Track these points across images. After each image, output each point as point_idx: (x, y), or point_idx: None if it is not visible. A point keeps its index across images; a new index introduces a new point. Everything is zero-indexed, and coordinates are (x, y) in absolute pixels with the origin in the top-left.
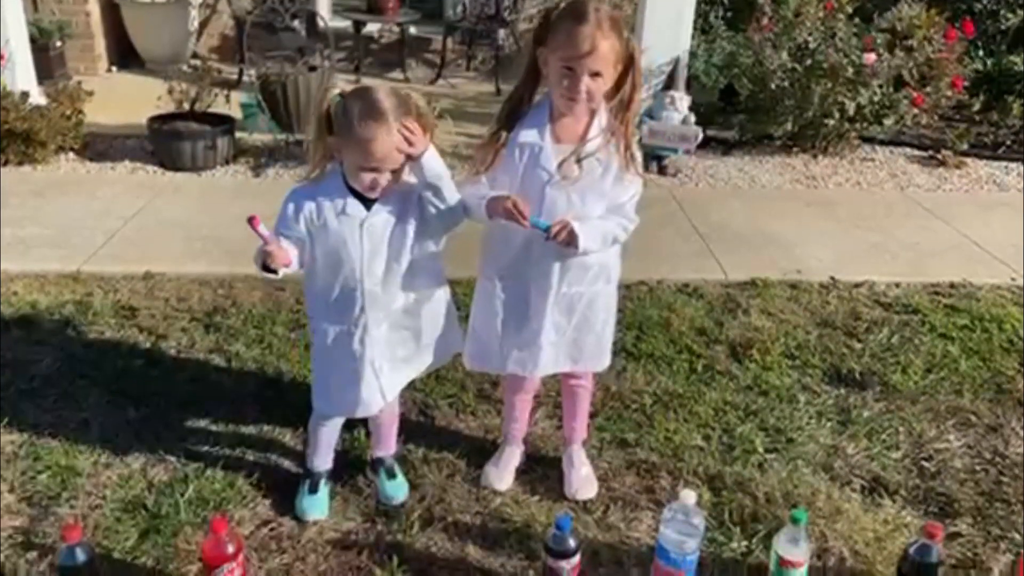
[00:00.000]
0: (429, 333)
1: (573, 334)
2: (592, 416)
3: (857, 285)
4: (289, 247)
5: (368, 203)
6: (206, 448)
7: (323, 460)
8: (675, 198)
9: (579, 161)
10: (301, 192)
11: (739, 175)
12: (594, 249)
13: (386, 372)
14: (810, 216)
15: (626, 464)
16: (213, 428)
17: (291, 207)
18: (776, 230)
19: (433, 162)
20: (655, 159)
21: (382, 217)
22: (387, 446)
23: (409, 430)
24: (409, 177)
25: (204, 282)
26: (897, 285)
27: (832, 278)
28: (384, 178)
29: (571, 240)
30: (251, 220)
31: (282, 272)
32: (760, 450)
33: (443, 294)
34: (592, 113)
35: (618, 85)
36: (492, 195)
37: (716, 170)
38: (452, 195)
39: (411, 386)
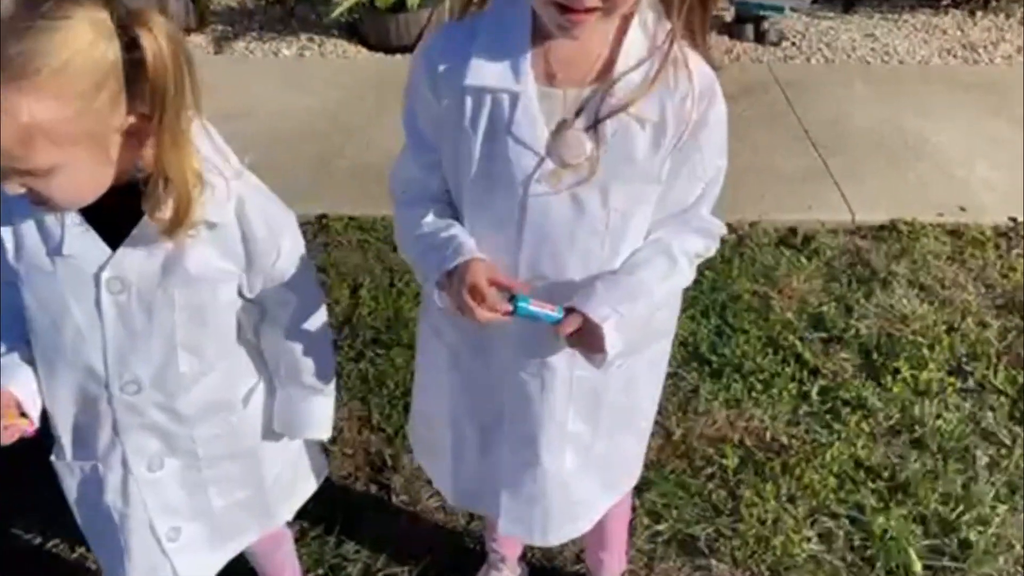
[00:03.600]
0: (276, 465)
1: (603, 446)
2: (639, 490)
3: None
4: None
5: (113, 232)
6: None
7: None
8: (777, 80)
9: (596, 126)
10: None
11: (866, 43)
12: (638, 344)
13: (186, 541)
14: (972, 109)
15: None
16: None
17: None
18: (923, 133)
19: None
20: (750, 21)
21: (139, 260)
22: None
23: (350, 517)
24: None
25: None
26: None
27: (1013, 220)
28: (56, 190)
29: (594, 343)
30: None
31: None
32: (918, 569)
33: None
34: (622, 18)
35: None
36: (445, 249)
37: (835, 36)
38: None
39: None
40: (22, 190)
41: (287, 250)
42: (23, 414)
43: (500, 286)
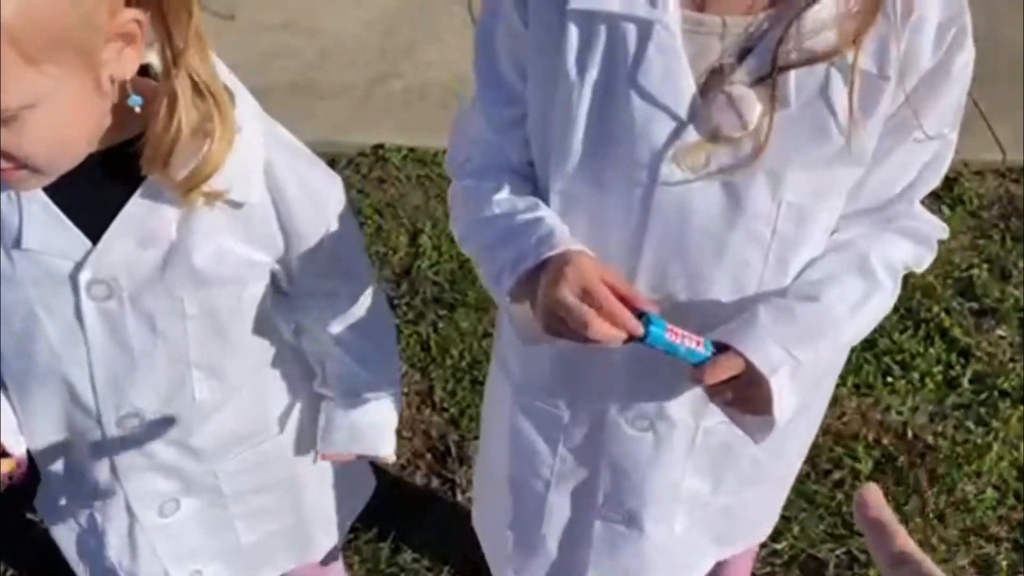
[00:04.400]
0: (303, 499)
1: (725, 502)
2: None
3: None
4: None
5: (92, 223)
6: None
7: None
8: None
9: (772, 77)
10: None
11: None
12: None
13: None
14: None
15: None
16: None
17: None
18: None
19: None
20: None
21: (131, 254)
22: None
23: (408, 517)
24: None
25: None
26: None
27: None
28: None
29: (754, 401)
30: None
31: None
32: None
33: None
34: None
35: None
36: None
37: None
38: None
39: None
40: None
41: (336, 227)
42: (3, 453)
43: (618, 295)
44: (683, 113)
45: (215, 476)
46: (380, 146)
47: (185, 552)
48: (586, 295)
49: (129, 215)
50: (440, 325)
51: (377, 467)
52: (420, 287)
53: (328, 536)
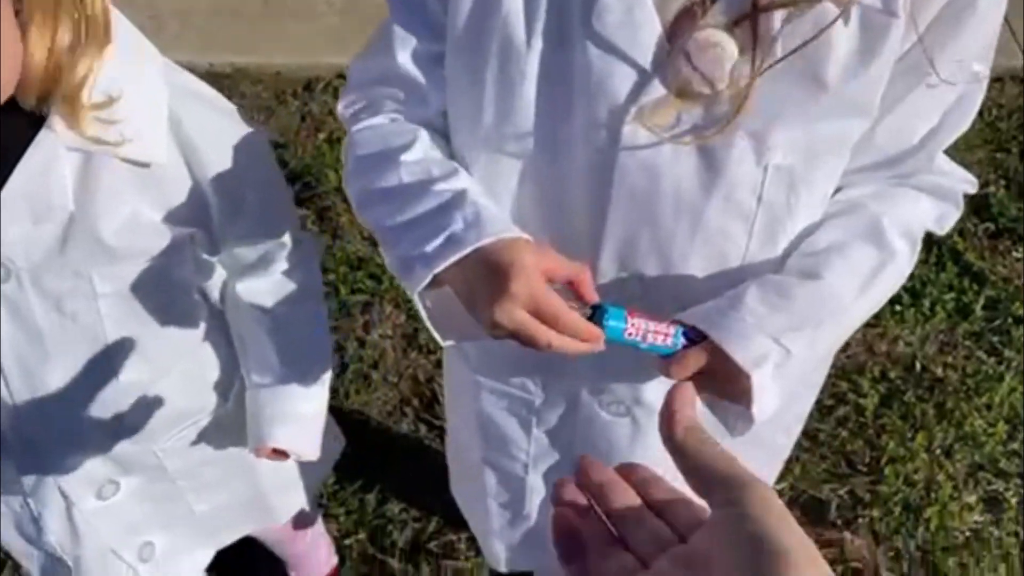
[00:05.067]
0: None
1: None
2: None
3: None
4: None
5: None
6: None
7: None
8: None
9: (752, 18)
10: None
11: None
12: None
13: (163, 552)
14: None
15: None
16: None
17: None
18: None
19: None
20: None
21: (24, 230)
22: (311, 567)
23: (395, 467)
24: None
25: None
26: None
27: None
28: None
29: (731, 392)
30: None
31: None
32: None
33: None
34: None
35: None
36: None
37: None
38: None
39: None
40: None
41: (258, 183)
42: None
43: (563, 282)
44: (647, 63)
45: (156, 456)
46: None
47: (132, 527)
48: (539, 311)
49: (16, 188)
50: None
51: (363, 413)
52: None
53: (291, 503)
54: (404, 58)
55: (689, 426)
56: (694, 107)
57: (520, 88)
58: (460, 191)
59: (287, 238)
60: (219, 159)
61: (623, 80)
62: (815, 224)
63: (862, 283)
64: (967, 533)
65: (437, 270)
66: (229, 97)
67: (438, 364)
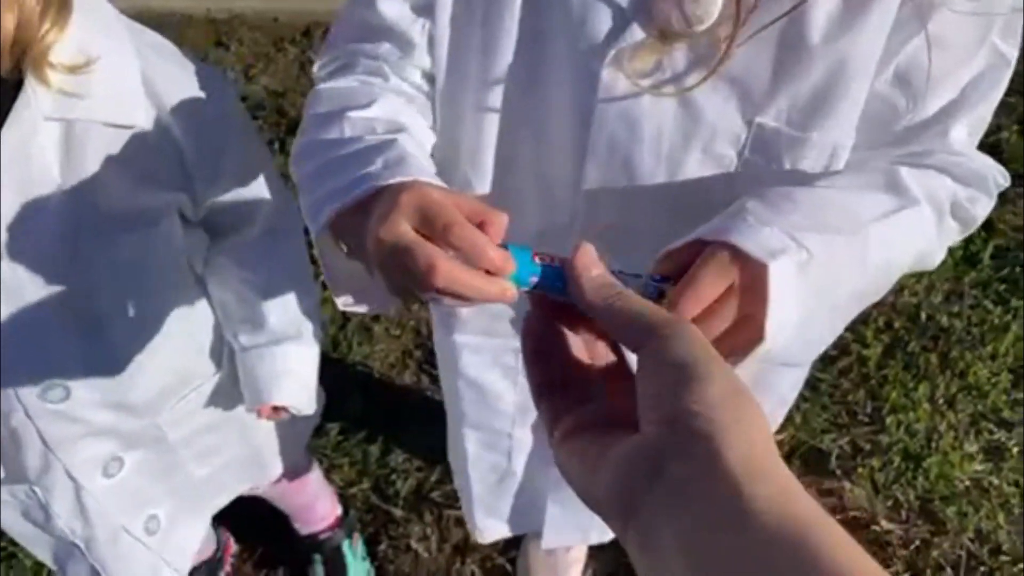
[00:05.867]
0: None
1: None
2: None
3: None
4: None
5: None
6: None
7: None
8: None
9: None
10: None
11: None
12: (816, 345)
13: (167, 524)
14: None
15: None
16: None
17: None
18: None
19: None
20: None
21: (9, 209)
22: (314, 517)
23: (398, 417)
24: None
25: None
26: None
27: None
28: None
29: (751, 330)
30: None
31: None
32: None
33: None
34: None
35: None
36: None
37: None
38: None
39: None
40: None
41: (236, 142)
42: None
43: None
44: (625, 3)
45: (158, 428)
46: None
47: (139, 500)
48: (426, 224)
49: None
50: None
51: (366, 365)
52: None
53: (284, 457)
54: (386, 7)
55: (600, 283)
56: (676, 53)
57: (504, 25)
58: (390, 140)
59: (267, 193)
60: (195, 117)
61: (602, 21)
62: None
63: (882, 210)
64: (967, 482)
65: (337, 205)
66: (227, 43)
67: None
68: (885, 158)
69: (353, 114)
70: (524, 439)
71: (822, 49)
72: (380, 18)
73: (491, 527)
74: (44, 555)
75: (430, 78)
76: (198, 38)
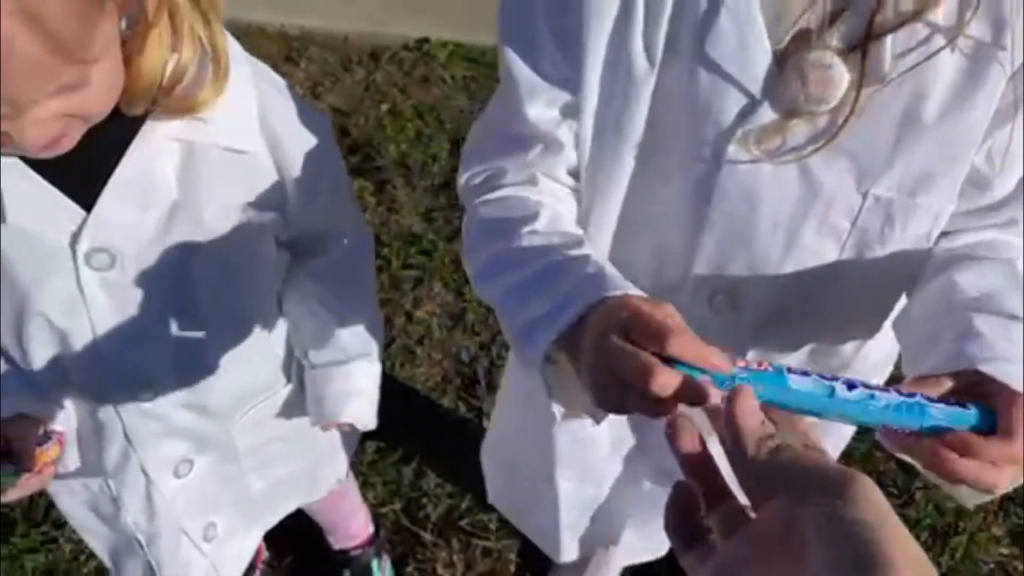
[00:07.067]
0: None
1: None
2: None
3: None
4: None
5: (81, 189)
6: None
7: None
8: None
9: (866, 45)
10: None
11: None
12: None
13: (223, 533)
14: None
15: None
16: None
17: None
18: None
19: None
20: None
21: (130, 217)
22: (348, 532)
23: (433, 441)
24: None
25: None
26: None
27: None
28: (70, 126)
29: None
30: None
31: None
32: None
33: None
34: None
35: None
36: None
37: None
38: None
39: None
40: (52, 128)
41: (330, 170)
42: (47, 437)
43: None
44: (756, 89)
45: (228, 434)
46: (425, 40)
47: (200, 506)
48: (641, 335)
49: (124, 176)
50: None
51: (406, 388)
52: (459, 201)
53: (334, 472)
54: (535, 113)
55: (760, 437)
56: (801, 127)
57: (636, 114)
58: (583, 254)
59: (348, 220)
60: (299, 149)
61: (731, 104)
62: (935, 268)
63: None
64: (991, 565)
65: (553, 335)
66: (297, 59)
67: (482, 347)
68: (981, 230)
69: (526, 228)
70: (615, 468)
71: (936, 125)
72: (529, 126)
73: (574, 548)
74: (100, 547)
75: (575, 173)
76: (270, 52)
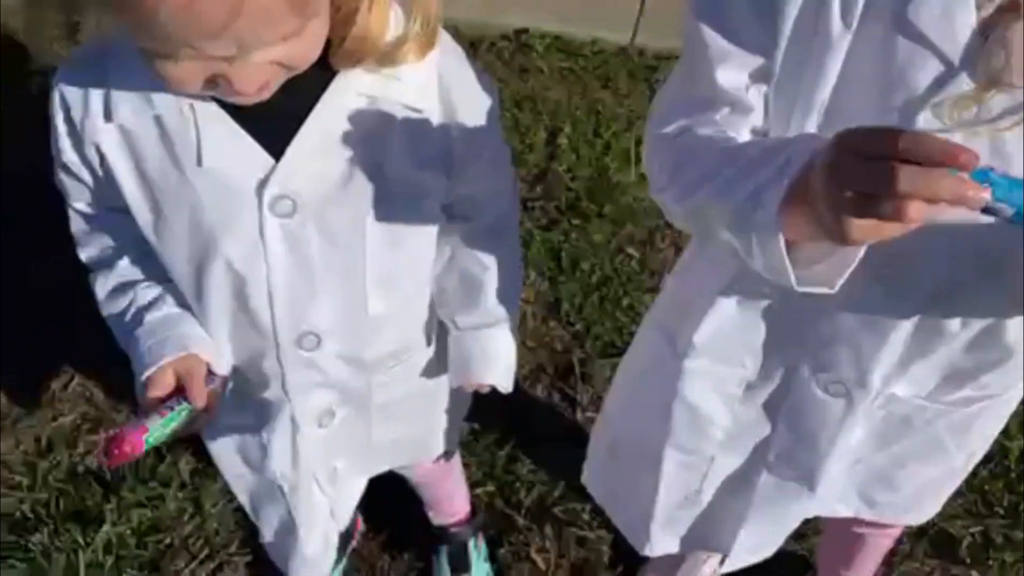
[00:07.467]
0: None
1: (885, 464)
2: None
3: None
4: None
5: (272, 137)
6: None
7: None
8: None
9: None
10: (72, 82)
11: None
12: None
13: (342, 477)
14: None
15: None
16: None
17: (64, 143)
18: None
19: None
20: None
21: (316, 168)
22: (449, 509)
23: (528, 428)
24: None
25: None
26: None
27: None
28: (276, 74)
29: None
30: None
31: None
32: None
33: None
34: None
35: None
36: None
37: None
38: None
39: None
40: (264, 74)
41: (494, 136)
42: (209, 373)
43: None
44: (955, 57)
45: (368, 388)
46: (524, 31)
47: (328, 453)
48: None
49: (312, 128)
50: (573, 235)
51: None
52: (555, 192)
53: (445, 438)
54: (725, 78)
55: None
56: (995, 101)
57: (827, 71)
58: (790, 138)
59: (505, 187)
60: (469, 113)
61: (928, 72)
62: None
63: None
64: None
65: (790, 183)
66: None
67: (575, 336)
68: None
69: (734, 142)
70: (725, 464)
71: None
72: (719, 90)
73: (664, 543)
74: (242, 494)
75: (763, 133)
76: None
